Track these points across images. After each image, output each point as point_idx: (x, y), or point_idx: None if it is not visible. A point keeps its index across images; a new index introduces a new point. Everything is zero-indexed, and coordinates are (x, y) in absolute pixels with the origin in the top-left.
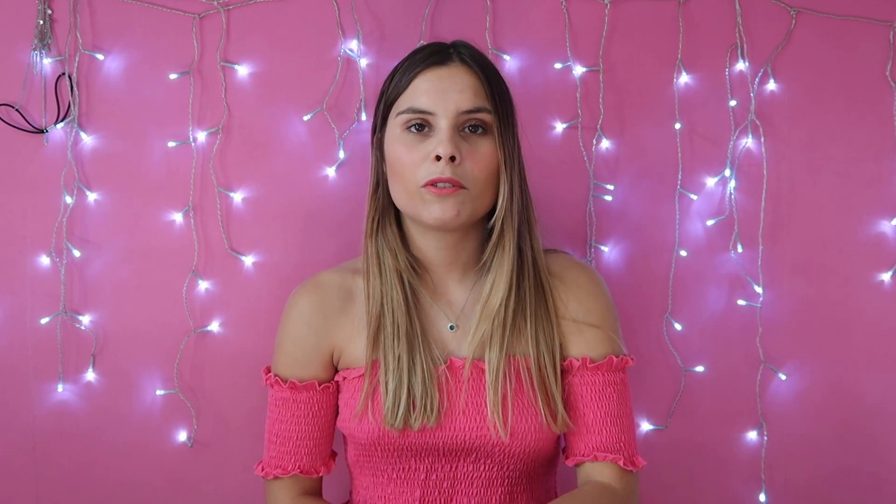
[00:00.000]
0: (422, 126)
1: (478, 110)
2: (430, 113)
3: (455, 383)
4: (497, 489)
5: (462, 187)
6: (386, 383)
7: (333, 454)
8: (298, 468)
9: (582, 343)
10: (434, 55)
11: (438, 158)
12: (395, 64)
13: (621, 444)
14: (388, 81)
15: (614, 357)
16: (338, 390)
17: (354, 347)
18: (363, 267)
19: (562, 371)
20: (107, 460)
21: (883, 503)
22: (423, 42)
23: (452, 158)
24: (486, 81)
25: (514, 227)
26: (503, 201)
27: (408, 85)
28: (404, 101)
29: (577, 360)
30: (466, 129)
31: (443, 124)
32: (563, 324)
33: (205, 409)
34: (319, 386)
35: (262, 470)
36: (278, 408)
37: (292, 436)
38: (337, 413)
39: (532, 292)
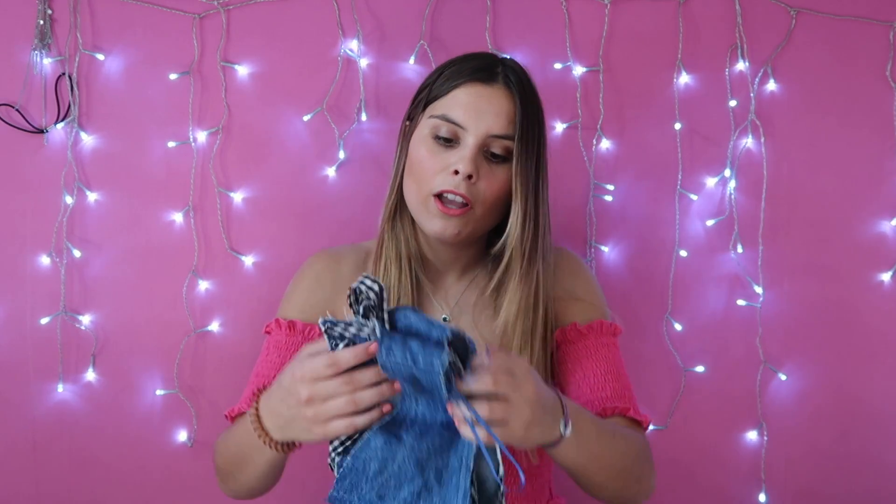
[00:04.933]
0: (449, 139)
1: (506, 137)
2: (461, 127)
3: None
4: None
5: (470, 207)
6: None
7: None
8: None
9: (567, 316)
10: (482, 71)
11: (457, 173)
12: (396, 63)
13: (625, 397)
14: (434, 78)
15: (602, 321)
16: None
17: None
18: (376, 250)
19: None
20: (107, 460)
21: (882, 503)
22: (423, 43)
23: (469, 177)
24: (521, 110)
25: (524, 255)
26: (513, 229)
27: (449, 91)
28: (440, 107)
29: (566, 328)
30: (490, 153)
31: (470, 141)
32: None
33: (205, 409)
34: (319, 333)
35: (230, 411)
36: (269, 354)
37: (271, 374)
38: None
39: (534, 314)
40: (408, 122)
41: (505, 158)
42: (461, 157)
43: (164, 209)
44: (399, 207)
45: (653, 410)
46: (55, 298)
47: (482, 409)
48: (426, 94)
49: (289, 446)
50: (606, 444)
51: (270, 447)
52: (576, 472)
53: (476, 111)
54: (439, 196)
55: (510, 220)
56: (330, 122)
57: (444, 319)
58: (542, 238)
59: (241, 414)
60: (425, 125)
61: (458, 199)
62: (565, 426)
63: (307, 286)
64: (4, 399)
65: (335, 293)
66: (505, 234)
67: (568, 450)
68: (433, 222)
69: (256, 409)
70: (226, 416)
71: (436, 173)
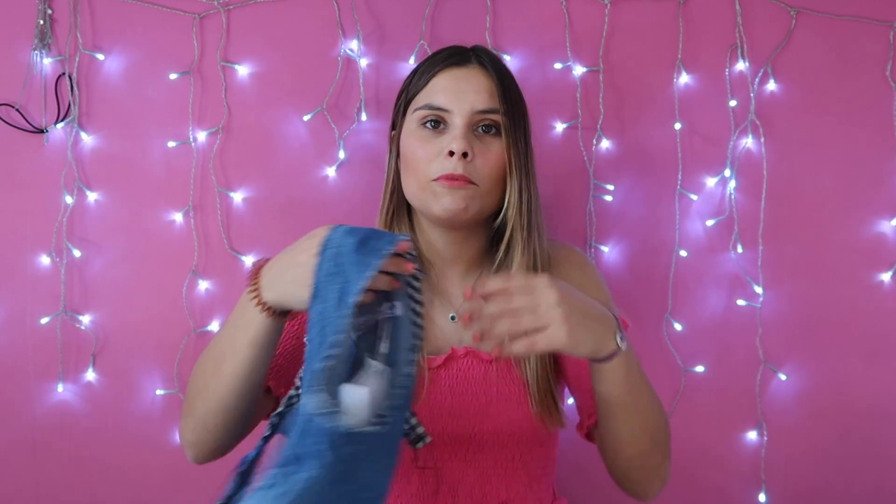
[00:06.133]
0: (437, 123)
1: (492, 111)
2: (446, 110)
3: (456, 371)
4: (494, 475)
5: (472, 183)
6: None
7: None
8: None
9: None
10: (453, 56)
11: (451, 154)
12: (396, 63)
13: None
14: (409, 80)
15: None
16: None
17: None
18: None
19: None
20: (107, 460)
21: (883, 503)
22: (423, 42)
23: (465, 155)
24: (500, 85)
25: (524, 227)
26: (512, 200)
27: (427, 83)
28: (422, 98)
29: None
30: (480, 129)
31: (458, 122)
32: None
33: None
34: None
35: None
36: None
37: None
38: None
39: None
40: (393, 132)
41: (496, 133)
42: (453, 138)
43: (164, 209)
44: (395, 214)
45: None
46: (55, 298)
47: (503, 326)
48: (405, 97)
49: (278, 314)
50: (647, 389)
51: (260, 309)
52: (618, 404)
53: (457, 92)
54: (440, 179)
55: (507, 192)
56: (330, 122)
57: (452, 318)
58: (535, 212)
59: None
60: (411, 121)
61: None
62: (622, 340)
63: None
64: (4, 399)
65: None
66: (504, 208)
67: (619, 370)
68: (441, 202)
69: (257, 271)
70: None
71: (431, 160)
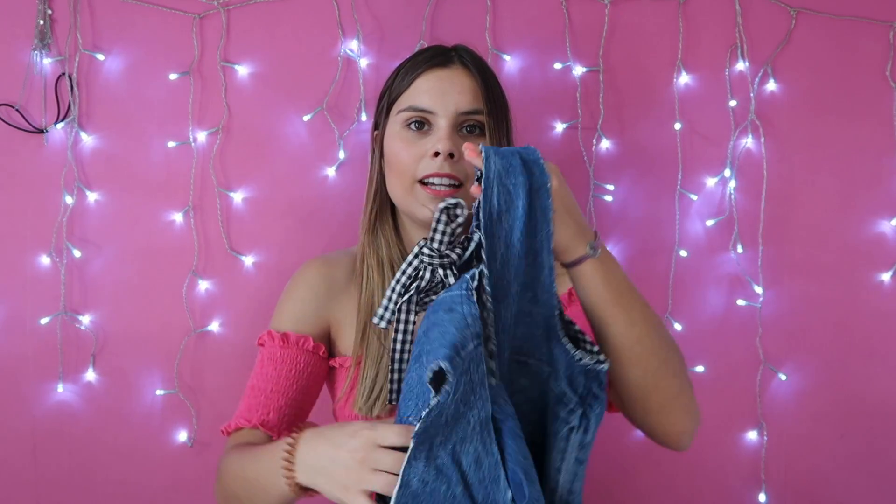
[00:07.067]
0: (421, 124)
1: (476, 112)
2: (430, 112)
3: None
4: None
5: (459, 183)
6: (365, 369)
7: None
8: (262, 421)
9: (562, 286)
10: (436, 57)
11: (436, 155)
12: (396, 63)
13: None
14: (391, 80)
15: None
16: (328, 366)
17: (350, 332)
18: (358, 259)
19: None
20: (107, 460)
21: (882, 503)
22: (423, 42)
23: (451, 155)
24: (484, 85)
25: None
26: None
27: (409, 84)
28: (405, 100)
29: (565, 294)
30: (464, 130)
31: (442, 123)
32: None
33: (205, 409)
34: (313, 343)
35: (227, 427)
36: (264, 367)
37: (267, 387)
38: (321, 384)
39: None
40: (375, 132)
41: (480, 133)
42: (437, 139)
43: (164, 209)
44: (379, 214)
45: None
46: (55, 298)
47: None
48: (387, 98)
49: (304, 490)
50: (638, 302)
51: (288, 486)
52: (603, 314)
53: (440, 93)
54: (424, 182)
55: None
56: (330, 122)
57: None
58: None
59: (239, 429)
60: (394, 122)
61: (445, 180)
62: (594, 250)
63: (299, 296)
64: (4, 399)
65: (329, 299)
66: None
67: (593, 277)
68: (424, 209)
69: (292, 444)
70: (222, 431)
71: (416, 161)
